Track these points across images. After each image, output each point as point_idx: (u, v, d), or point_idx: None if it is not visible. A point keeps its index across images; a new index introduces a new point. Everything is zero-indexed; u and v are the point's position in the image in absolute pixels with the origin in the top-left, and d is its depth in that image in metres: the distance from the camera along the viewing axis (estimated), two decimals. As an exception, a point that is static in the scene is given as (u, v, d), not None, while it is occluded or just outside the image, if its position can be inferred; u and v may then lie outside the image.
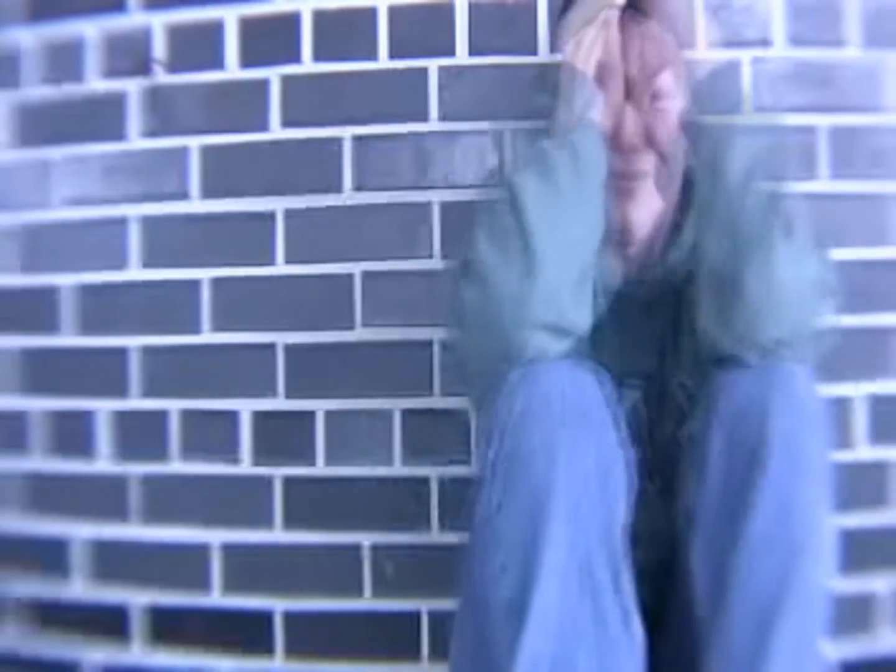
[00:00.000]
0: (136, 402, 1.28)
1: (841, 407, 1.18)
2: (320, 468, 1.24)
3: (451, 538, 1.19)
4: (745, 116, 0.75)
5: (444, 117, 1.22)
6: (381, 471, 1.22)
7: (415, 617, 1.22)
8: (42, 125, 1.31)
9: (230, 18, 1.26)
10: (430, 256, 1.22)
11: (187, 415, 1.26)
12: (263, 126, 1.25)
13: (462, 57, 1.22)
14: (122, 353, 1.28)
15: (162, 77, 1.28)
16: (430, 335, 1.21)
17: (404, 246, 1.23)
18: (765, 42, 1.20)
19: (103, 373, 1.28)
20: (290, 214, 1.25)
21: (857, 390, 1.19)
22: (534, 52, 1.21)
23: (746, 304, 0.72)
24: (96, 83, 1.29)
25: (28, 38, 1.31)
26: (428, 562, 1.21)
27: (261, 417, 1.25)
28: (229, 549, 1.25)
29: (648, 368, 0.89)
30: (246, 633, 1.24)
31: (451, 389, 1.21)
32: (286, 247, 1.25)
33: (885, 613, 1.18)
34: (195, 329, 1.26)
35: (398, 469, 1.22)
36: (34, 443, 1.31)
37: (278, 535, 1.24)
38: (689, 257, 0.88)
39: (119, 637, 1.27)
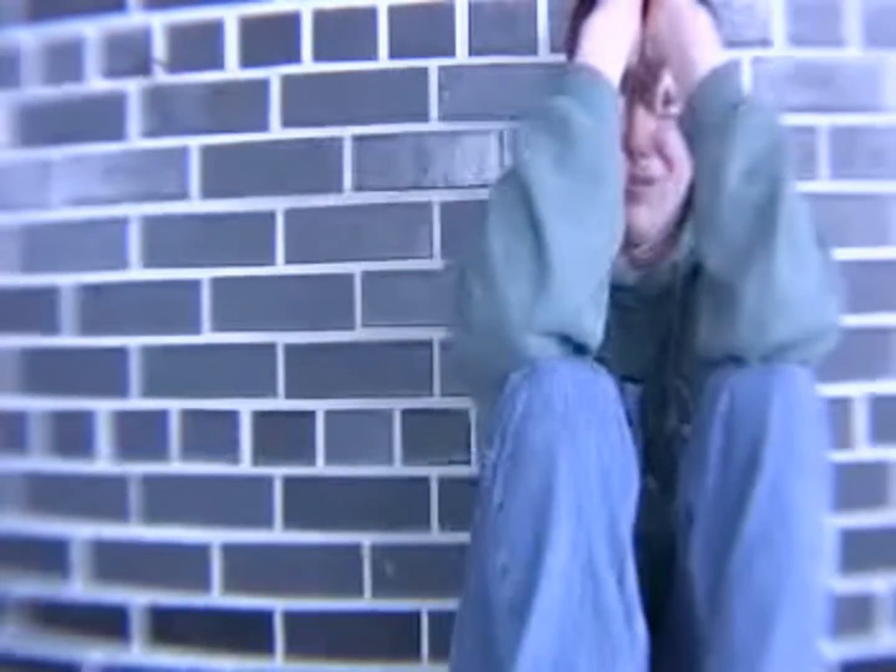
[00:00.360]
0: (136, 402, 1.28)
1: (841, 407, 1.18)
2: (320, 468, 1.24)
3: (451, 538, 1.20)
4: (745, 116, 0.74)
5: (444, 117, 1.22)
6: (381, 471, 1.22)
7: (415, 617, 1.22)
8: (42, 125, 1.31)
9: (230, 18, 1.26)
10: (430, 256, 1.22)
11: (187, 415, 1.26)
12: (263, 126, 1.25)
13: (462, 57, 1.22)
14: (122, 353, 1.28)
15: (162, 77, 1.28)
16: (430, 335, 1.21)
17: (404, 246, 1.23)
18: (765, 42, 1.20)
19: (103, 373, 1.28)
20: (290, 214, 1.25)
21: (858, 390, 1.19)
22: (534, 52, 1.21)
23: (748, 309, 0.71)
24: (96, 83, 1.29)
25: (28, 38, 1.31)
26: (428, 562, 1.21)
27: (261, 417, 1.25)
28: (229, 549, 1.25)
29: (649, 368, 0.89)
30: (246, 633, 1.24)
31: (451, 389, 1.21)
32: (286, 247, 1.25)
33: (884, 613, 1.18)
34: (195, 329, 1.26)
35: (398, 469, 1.22)
36: (34, 443, 1.31)
37: (278, 535, 1.24)
38: (690, 257, 0.88)
39: (119, 637, 1.27)
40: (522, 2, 1.22)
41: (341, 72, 1.24)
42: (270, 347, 1.25)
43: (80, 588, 1.29)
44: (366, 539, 1.22)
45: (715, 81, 0.77)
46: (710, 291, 0.77)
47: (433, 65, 1.23)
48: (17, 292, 1.32)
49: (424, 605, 1.21)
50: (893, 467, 1.19)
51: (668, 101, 0.85)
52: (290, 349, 1.25)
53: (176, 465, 1.26)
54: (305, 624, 1.23)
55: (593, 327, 0.74)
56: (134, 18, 1.28)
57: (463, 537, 0.75)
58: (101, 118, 1.29)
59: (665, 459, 0.86)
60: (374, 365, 1.23)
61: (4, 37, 1.32)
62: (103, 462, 1.28)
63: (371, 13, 1.23)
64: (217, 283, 1.26)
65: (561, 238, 0.71)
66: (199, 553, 1.25)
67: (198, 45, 1.27)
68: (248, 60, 1.26)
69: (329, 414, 1.24)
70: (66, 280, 1.30)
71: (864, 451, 1.19)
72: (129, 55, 1.28)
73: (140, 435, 1.27)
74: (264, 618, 1.24)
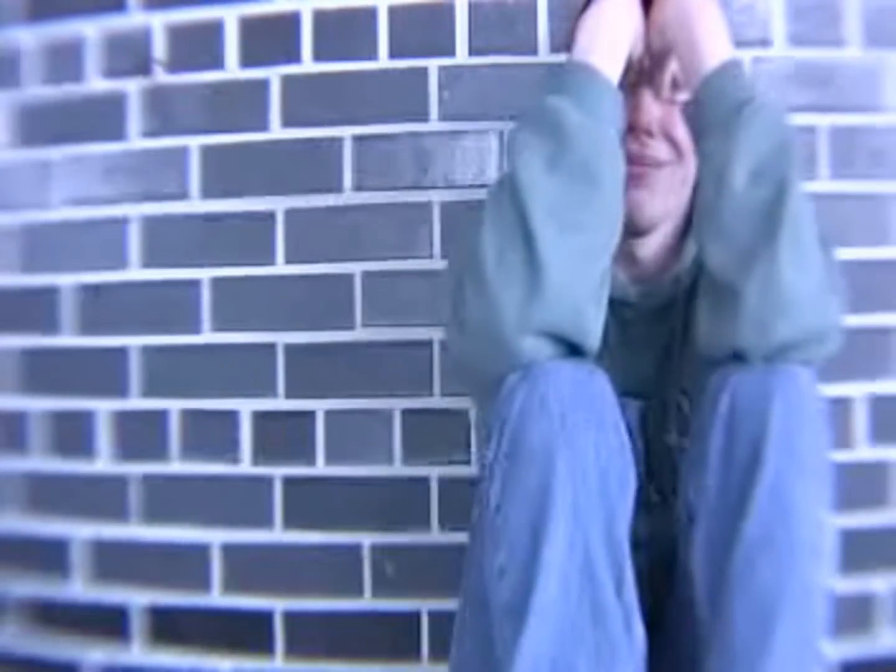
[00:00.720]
0: (136, 402, 1.28)
1: (841, 407, 1.18)
2: (320, 468, 1.24)
3: (450, 538, 1.20)
4: (752, 116, 0.73)
5: (444, 117, 1.22)
6: (381, 471, 1.22)
7: (415, 617, 1.22)
8: (42, 125, 1.31)
9: (230, 18, 1.26)
10: (430, 256, 1.22)
11: (187, 415, 1.26)
12: (263, 126, 1.25)
13: (462, 57, 1.22)
14: (122, 353, 1.28)
15: (162, 77, 1.28)
16: (430, 335, 1.21)
17: (404, 246, 1.23)
18: (765, 42, 1.20)
19: (103, 373, 1.28)
20: (290, 214, 1.25)
21: (858, 390, 1.19)
22: (534, 52, 1.21)
23: (750, 309, 0.70)
24: (96, 83, 1.29)
25: (28, 38, 1.31)
26: (428, 562, 1.21)
27: (261, 417, 1.25)
28: (229, 549, 1.25)
29: (650, 383, 0.88)
30: (246, 633, 1.24)
31: (451, 389, 1.21)
32: (286, 247, 1.25)
33: (884, 613, 1.18)
34: (195, 329, 1.26)
35: (398, 469, 1.22)
36: (34, 443, 1.31)
37: (278, 535, 1.24)
38: (693, 267, 0.88)
39: (119, 637, 1.27)
40: (522, 2, 1.22)
41: (341, 72, 1.24)
42: (270, 347, 1.25)
43: (80, 588, 1.29)
44: (366, 539, 1.22)
45: (723, 76, 0.76)
46: (711, 290, 0.76)
47: (433, 65, 1.22)
48: (17, 292, 1.32)
49: (424, 605, 1.21)
50: (893, 467, 1.19)
51: (675, 86, 0.84)
52: (290, 349, 1.24)
53: (176, 465, 1.26)
54: (305, 624, 1.23)
55: (593, 325, 0.74)
56: (134, 18, 1.28)
57: (463, 537, 0.75)
58: (101, 118, 1.29)
59: (666, 470, 0.86)
60: (374, 365, 1.23)
61: (4, 37, 1.31)
62: (103, 462, 1.28)
63: (371, 13, 1.23)
64: (217, 283, 1.26)
65: (552, 242, 0.71)
66: (199, 553, 1.25)
67: (198, 45, 1.27)
68: (248, 60, 1.26)
69: (329, 414, 1.24)
70: (66, 280, 1.30)
71: (864, 451, 1.19)
72: (129, 55, 1.28)
73: (140, 435, 1.27)
74: (264, 618, 1.24)
